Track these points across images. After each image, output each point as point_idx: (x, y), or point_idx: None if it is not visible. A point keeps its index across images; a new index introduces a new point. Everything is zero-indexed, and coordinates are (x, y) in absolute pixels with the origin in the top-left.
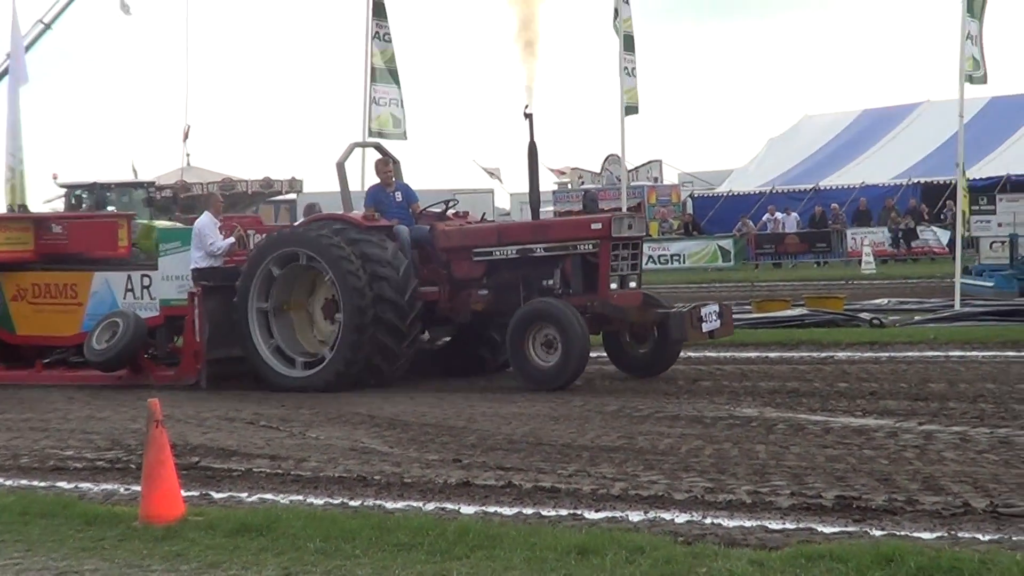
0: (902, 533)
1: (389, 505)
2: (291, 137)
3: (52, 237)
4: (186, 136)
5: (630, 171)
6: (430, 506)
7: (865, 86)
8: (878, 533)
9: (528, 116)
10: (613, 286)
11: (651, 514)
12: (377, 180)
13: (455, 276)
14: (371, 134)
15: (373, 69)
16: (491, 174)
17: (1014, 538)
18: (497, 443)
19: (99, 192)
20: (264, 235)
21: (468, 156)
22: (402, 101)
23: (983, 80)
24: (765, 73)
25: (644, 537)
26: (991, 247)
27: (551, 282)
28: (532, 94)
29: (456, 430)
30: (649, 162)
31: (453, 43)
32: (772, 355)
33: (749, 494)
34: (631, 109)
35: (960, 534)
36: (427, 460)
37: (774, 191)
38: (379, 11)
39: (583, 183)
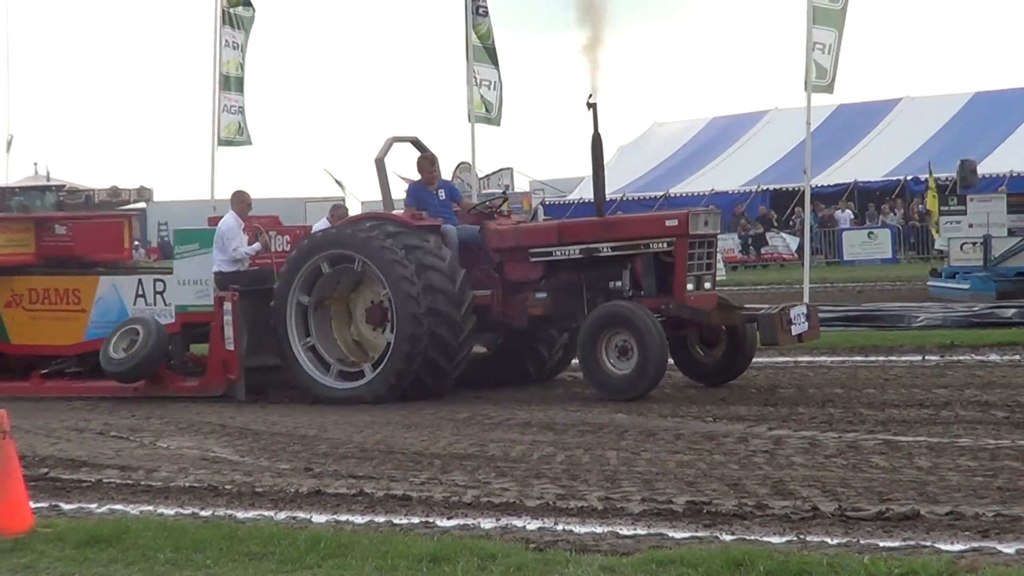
0: (752, 537)
1: (240, 515)
2: (139, 145)
3: (55, 239)
4: (9, 146)
5: (481, 179)
6: (281, 515)
7: (714, 94)
8: (728, 538)
9: (592, 106)
10: (689, 287)
11: (503, 521)
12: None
13: (509, 278)
14: (220, 142)
15: (222, 77)
16: (339, 183)
17: (862, 541)
18: (349, 451)
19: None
20: (295, 236)
21: (317, 164)
22: (246, 109)
23: (829, 89)
24: (615, 81)
25: (496, 544)
26: (961, 248)
27: (619, 284)
28: (596, 83)
29: (308, 439)
30: (500, 170)
31: (306, 52)
32: None
33: (600, 500)
34: (481, 117)
35: (809, 538)
36: (278, 469)
37: (624, 198)
38: (228, 19)
39: None
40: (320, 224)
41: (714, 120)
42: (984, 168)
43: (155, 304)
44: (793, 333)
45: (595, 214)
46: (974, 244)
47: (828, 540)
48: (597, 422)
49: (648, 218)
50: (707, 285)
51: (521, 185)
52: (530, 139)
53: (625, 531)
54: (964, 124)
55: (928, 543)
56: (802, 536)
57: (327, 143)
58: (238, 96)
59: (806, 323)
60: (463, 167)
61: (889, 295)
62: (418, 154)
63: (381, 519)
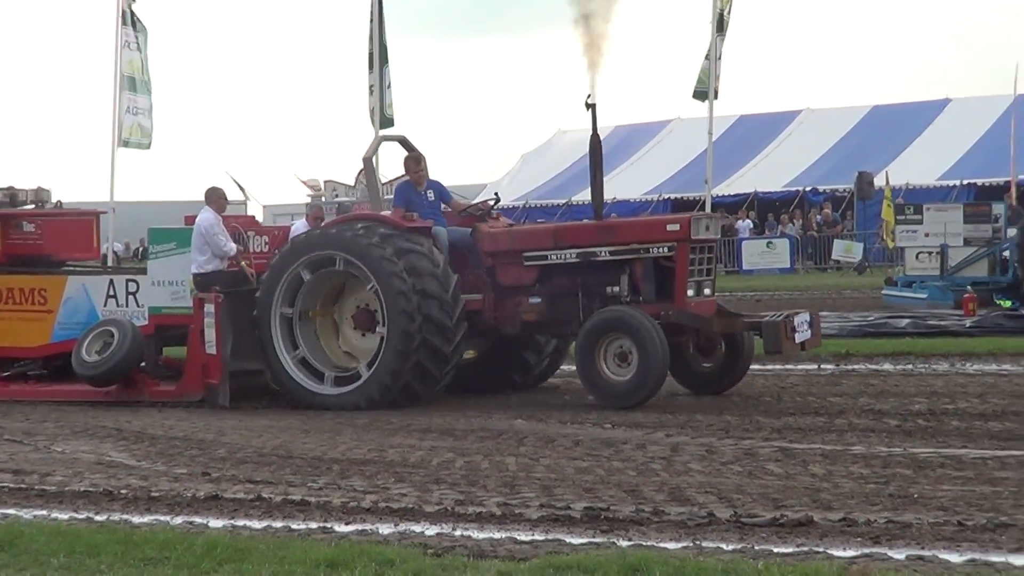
0: (649, 543)
1: (136, 519)
2: (36, 146)
3: (22, 236)
4: None
5: (384, 183)
6: (178, 520)
7: (616, 103)
8: (625, 543)
9: (590, 107)
10: (689, 293)
11: (401, 526)
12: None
13: (501, 283)
14: (120, 143)
15: (124, 78)
16: (241, 188)
17: (756, 547)
18: (247, 456)
19: None
20: (274, 237)
21: (219, 168)
22: (151, 111)
23: (709, 96)
24: (519, 88)
25: (394, 549)
26: (917, 257)
27: (617, 289)
28: (595, 83)
29: (205, 443)
30: (403, 176)
31: (209, 55)
32: None
33: (499, 506)
34: (386, 122)
35: (705, 543)
36: (175, 474)
37: (528, 205)
38: (128, 20)
39: (336, 195)
40: (299, 225)
41: (617, 129)
42: (881, 180)
43: (127, 306)
44: (797, 341)
45: (588, 217)
46: (930, 253)
47: (723, 546)
48: (497, 428)
49: (649, 222)
50: (707, 291)
51: None
52: (436, 145)
53: (523, 536)
54: (862, 137)
55: (821, 549)
56: (698, 542)
57: (229, 147)
58: (141, 98)
59: (809, 331)
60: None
61: (787, 304)
62: (405, 153)
63: (279, 524)
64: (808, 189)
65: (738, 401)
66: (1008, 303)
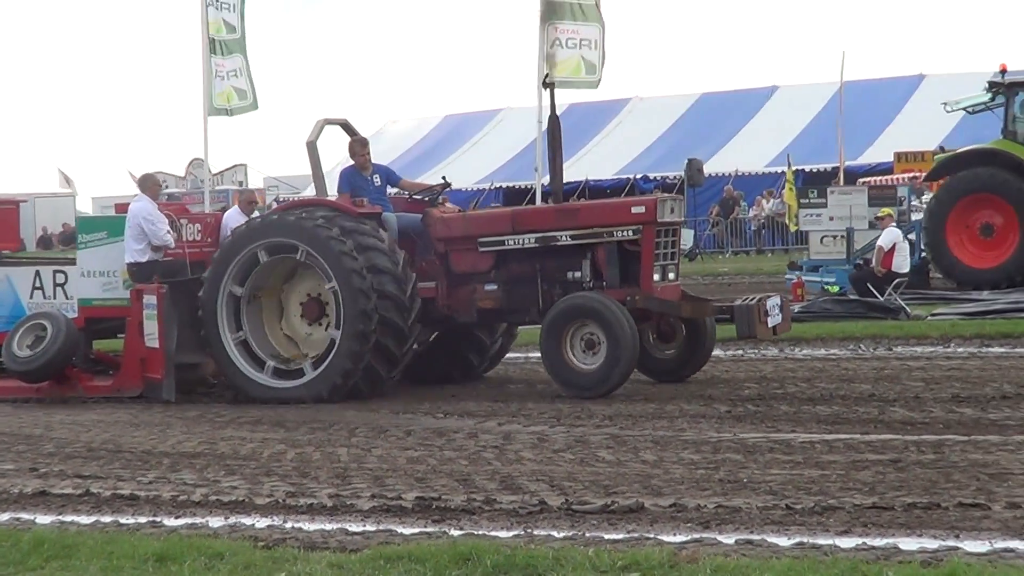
0: (480, 532)
1: None
2: None
3: None
4: None
5: (215, 175)
6: (4, 516)
7: (447, 92)
8: (456, 533)
9: (548, 86)
10: (655, 277)
11: (232, 519)
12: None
13: (455, 270)
14: None
15: None
16: (67, 180)
17: (587, 534)
18: (76, 451)
19: None
20: (207, 224)
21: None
22: None
23: (596, 85)
24: (347, 77)
25: (224, 543)
26: (821, 241)
27: (579, 274)
28: (554, 63)
29: (33, 438)
30: (234, 166)
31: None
32: None
33: (330, 497)
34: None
35: (536, 532)
36: (1, 469)
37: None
38: None
39: (166, 186)
40: (232, 212)
41: (447, 118)
42: (710, 167)
43: (55, 297)
44: (769, 325)
45: (551, 200)
46: (834, 237)
47: (555, 533)
48: (328, 419)
49: (612, 204)
50: (671, 276)
51: (255, 181)
52: (265, 135)
53: (354, 528)
54: (692, 124)
55: (651, 535)
56: (529, 530)
57: (56, 139)
58: None
59: (780, 314)
60: (195, 163)
61: None
62: (349, 138)
63: (107, 519)
64: (639, 176)
65: (389, 387)
66: (836, 288)
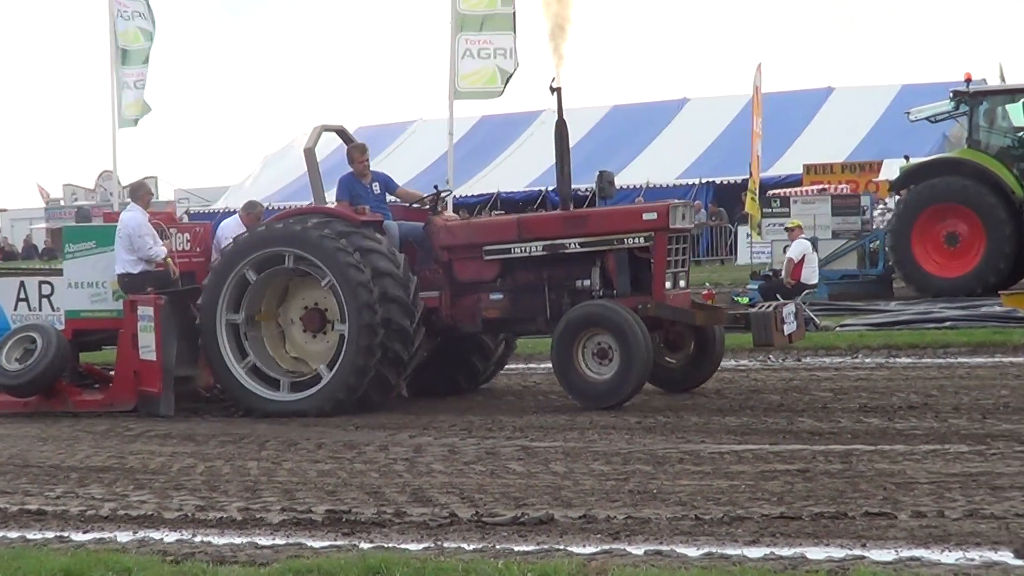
0: (390, 545)
1: None
2: None
3: None
4: None
5: (125, 187)
6: None
7: (359, 104)
8: (366, 546)
9: (555, 91)
10: (667, 285)
11: (140, 534)
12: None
13: (459, 279)
14: None
15: None
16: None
17: (497, 546)
18: None
19: None
20: (195, 234)
21: None
22: None
23: (498, 94)
24: (258, 91)
25: (132, 558)
26: (784, 251)
27: (587, 282)
28: (559, 69)
29: None
30: (144, 178)
31: None
32: None
33: (240, 511)
34: (126, 123)
35: (446, 544)
36: None
37: (271, 207)
38: None
39: (76, 199)
40: (230, 222)
41: (359, 131)
42: (621, 180)
43: (40, 309)
44: (785, 333)
45: (559, 207)
46: None
47: (465, 546)
48: (239, 432)
49: (623, 211)
50: (682, 283)
51: (166, 194)
52: (176, 147)
53: (264, 541)
54: (603, 136)
55: (561, 546)
56: (440, 542)
57: None
58: None
59: (794, 322)
60: (105, 175)
61: None
62: (347, 145)
63: (14, 535)
64: (550, 189)
65: (481, 401)
66: (746, 300)
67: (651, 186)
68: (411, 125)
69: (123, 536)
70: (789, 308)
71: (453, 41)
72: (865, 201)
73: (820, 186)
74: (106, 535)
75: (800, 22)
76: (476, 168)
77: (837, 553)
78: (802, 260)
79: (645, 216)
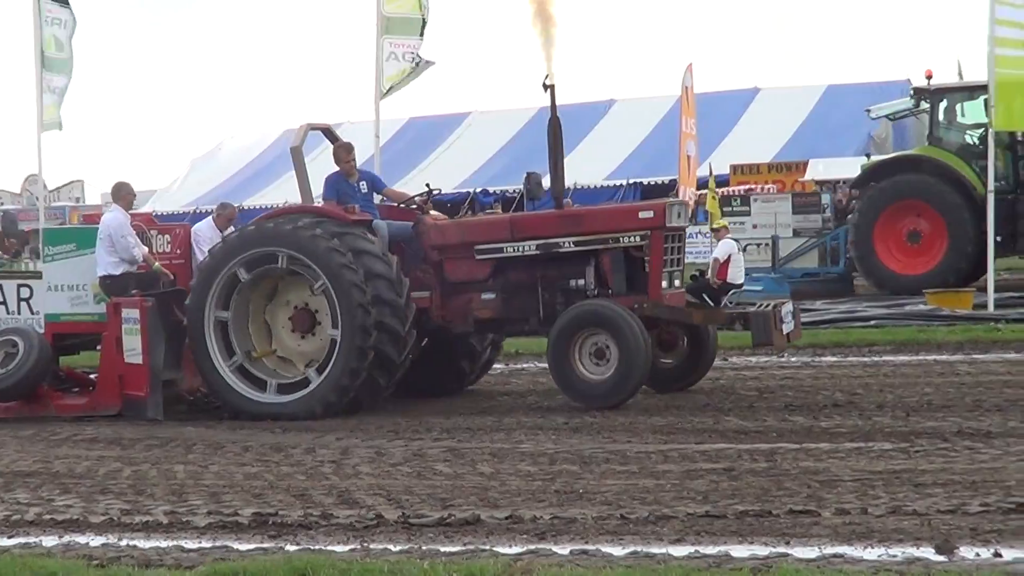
0: (317, 547)
1: None
2: None
3: None
4: None
5: (52, 191)
6: None
7: (285, 107)
8: (293, 548)
9: (548, 88)
10: (663, 284)
11: (66, 538)
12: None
13: (450, 278)
14: None
15: None
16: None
17: (423, 547)
18: None
19: None
20: (176, 236)
21: None
22: None
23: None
24: (183, 93)
25: (57, 562)
26: (745, 250)
27: (582, 282)
28: (551, 64)
29: None
30: (71, 182)
31: None
32: None
33: (166, 514)
34: (50, 126)
35: (372, 546)
36: None
37: (198, 211)
38: None
39: (2, 203)
40: (204, 225)
41: (286, 133)
42: (549, 181)
43: (19, 312)
44: (784, 332)
45: (550, 206)
46: (758, 245)
47: (391, 547)
48: (165, 436)
49: (618, 210)
50: (676, 283)
51: (93, 198)
52: (103, 151)
53: (190, 545)
54: (531, 138)
55: (487, 546)
56: (366, 544)
57: None
58: None
59: (792, 321)
60: (31, 179)
61: None
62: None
63: None
64: (479, 190)
65: (409, 403)
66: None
67: (579, 187)
68: (338, 127)
69: (48, 540)
70: (787, 307)
71: (378, 43)
72: (825, 199)
73: (747, 186)
74: (31, 540)
75: (727, 23)
76: (404, 170)
77: (761, 551)
78: (728, 260)
79: (641, 215)
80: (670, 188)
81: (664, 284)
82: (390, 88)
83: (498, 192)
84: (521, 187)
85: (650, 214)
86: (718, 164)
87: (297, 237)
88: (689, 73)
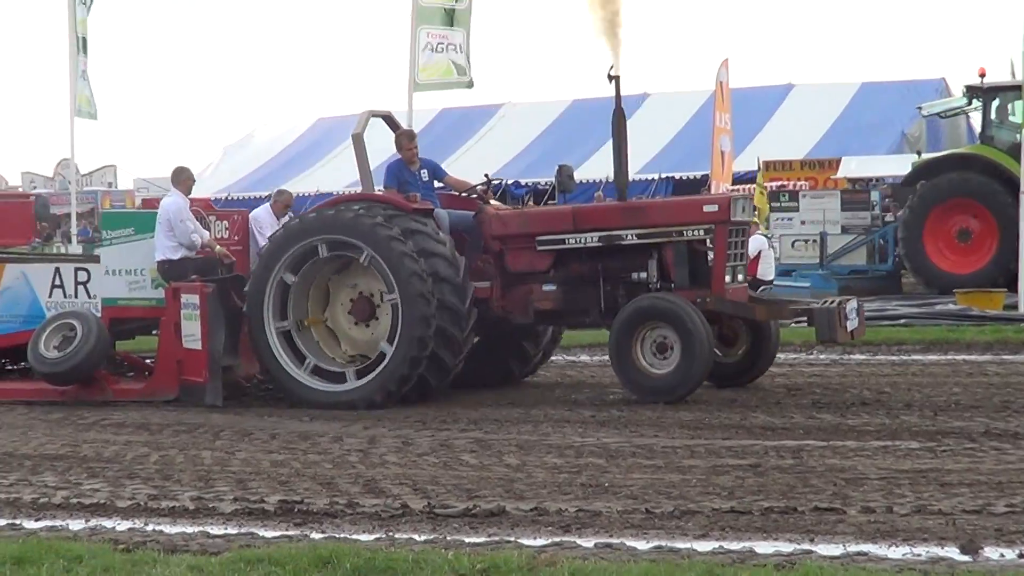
0: (342, 535)
1: None
2: None
3: None
4: None
5: (84, 176)
6: None
7: (318, 95)
8: (318, 536)
9: (614, 79)
10: (727, 279)
11: (92, 522)
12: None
13: (511, 269)
14: None
15: None
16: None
17: (448, 538)
18: None
19: None
20: (234, 222)
21: None
22: None
23: (470, 84)
24: (217, 80)
25: (83, 546)
26: (792, 246)
27: (644, 275)
28: (618, 55)
29: None
30: (103, 167)
31: None
32: None
33: (193, 500)
34: (84, 113)
35: (397, 535)
36: None
37: (230, 197)
38: None
39: (35, 187)
40: (262, 211)
41: (319, 122)
42: (581, 174)
43: (76, 296)
44: (848, 329)
45: (618, 197)
46: (806, 242)
47: (416, 537)
48: (193, 422)
49: (683, 203)
50: (740, 277)
51: (125, 183)
52: (136, 137)
53: (216, 531)
54: (563, 130)
55: (512, 538)
56: (391, 533)
57: None
58: None
59: (856, 318)
60: (63, 164)
61: None
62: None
63: None
64: (511, 182)
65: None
66: None
67: (611, 181)
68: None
69: (75, 524)
70: (852, 304)
71: (413, 33)
72: (875, 197)
73: (779, 183)
74: (58, 523)
75: (762, 18)
76: (438, 160)
77: (785, 547)
78: (758, 256)
79: (706, 208)
80: (702, 183)
81: (727, 278)
82: (423, 86)
83: (530, 184)
84: (553, 179)
85: (715, 208)
86: (750, 160)
87: (367, 229)
88: (725, 68)
